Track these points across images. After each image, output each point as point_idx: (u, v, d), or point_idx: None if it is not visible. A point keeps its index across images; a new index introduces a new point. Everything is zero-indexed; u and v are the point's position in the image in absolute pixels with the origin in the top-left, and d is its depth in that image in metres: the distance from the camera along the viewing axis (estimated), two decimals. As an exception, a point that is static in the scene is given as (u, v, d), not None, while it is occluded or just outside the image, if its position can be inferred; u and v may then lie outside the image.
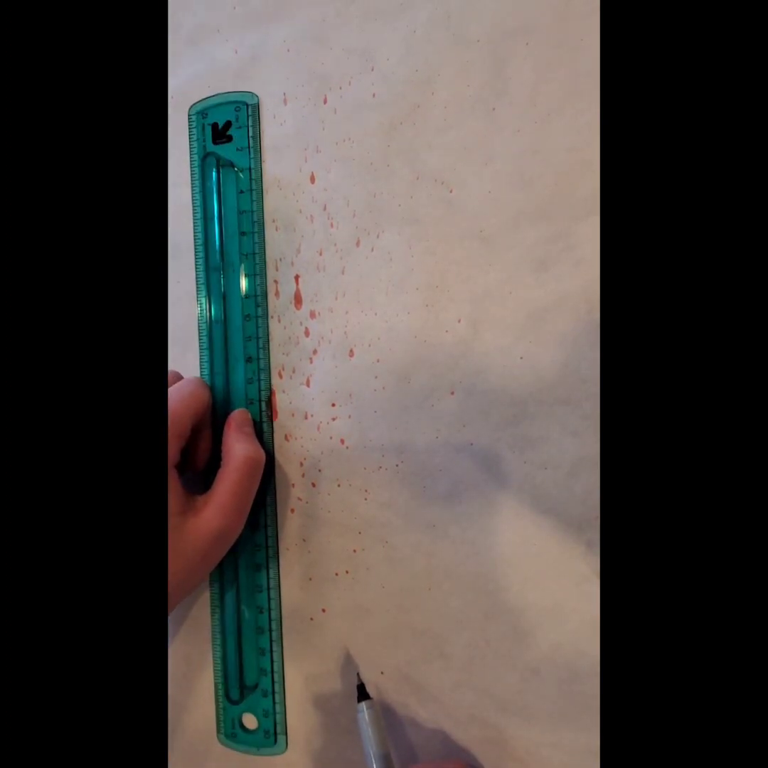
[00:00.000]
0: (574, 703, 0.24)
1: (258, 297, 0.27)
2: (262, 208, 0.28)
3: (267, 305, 0.28)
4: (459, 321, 0.25)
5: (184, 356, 0.29)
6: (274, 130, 0.27)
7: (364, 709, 0.24)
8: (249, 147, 0.27)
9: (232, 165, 0.28)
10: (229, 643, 0.28)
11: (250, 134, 0.27)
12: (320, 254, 0.27)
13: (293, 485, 0.28)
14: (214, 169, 0.28)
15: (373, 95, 0.26)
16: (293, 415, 0.28)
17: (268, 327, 0.28)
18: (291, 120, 0.27)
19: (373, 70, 0.26)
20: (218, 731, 0.29)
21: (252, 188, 0.27)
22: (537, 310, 0.24)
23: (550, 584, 0.24)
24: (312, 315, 0.27)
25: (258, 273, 0.27)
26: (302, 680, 0.28)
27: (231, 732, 0.29)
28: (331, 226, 0.27)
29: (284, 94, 0.27)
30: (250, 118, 0.27)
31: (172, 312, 0.29)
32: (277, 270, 0.28)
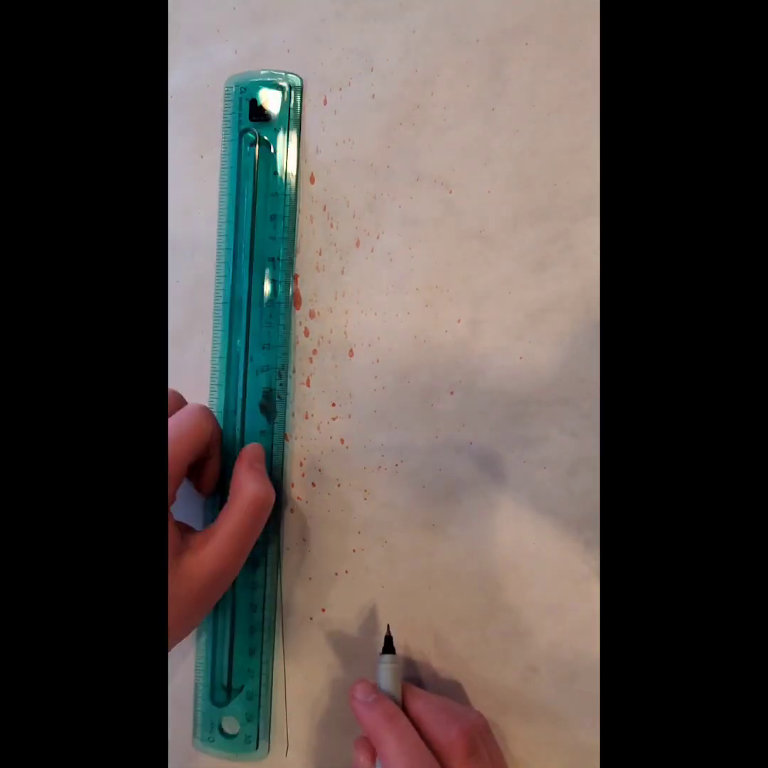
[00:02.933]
0: (573, 703, 0.24)
1: (282, 282, 0.27)
2: (296, 191, 0.27)
3: (291, 286, 0.27)
4: (458, 321, 0.25)
5: (184, 356, 0.29)
6: (273, 130, 0.27)
7: (386, 661, 0.24)
8: (288, 129, 0.27)
9: (269, 145, 0.27)
10: (218, 644, 0.27)
11: (291, 116, 0.27)
12: (320, 254, 0.27)
13: (293, 485, 0.28)
14: (250, 146, 0.27)
15: (373, 96, 0.26)
16: (293, 415, 0.28)
17: (291, 313, 0.27)
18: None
19: (372, 70, 0.26)
20: (194, 735, 0.28)
21: (287, 171, 0.27)
22: (536, 310, 0.24)
23: (549, 583, 0.24)
24: (311, 315, 0.27)
25: (284, 258, 0.27)
26: (302, 680, 0.28)
27: (208, 736, 0.27)
28: (331, 226, 0.27)
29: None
30: (292, 99, 0.27)
31: (172, 312, 0.29)
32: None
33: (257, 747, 0.27)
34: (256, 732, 0.27)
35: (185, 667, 0.28)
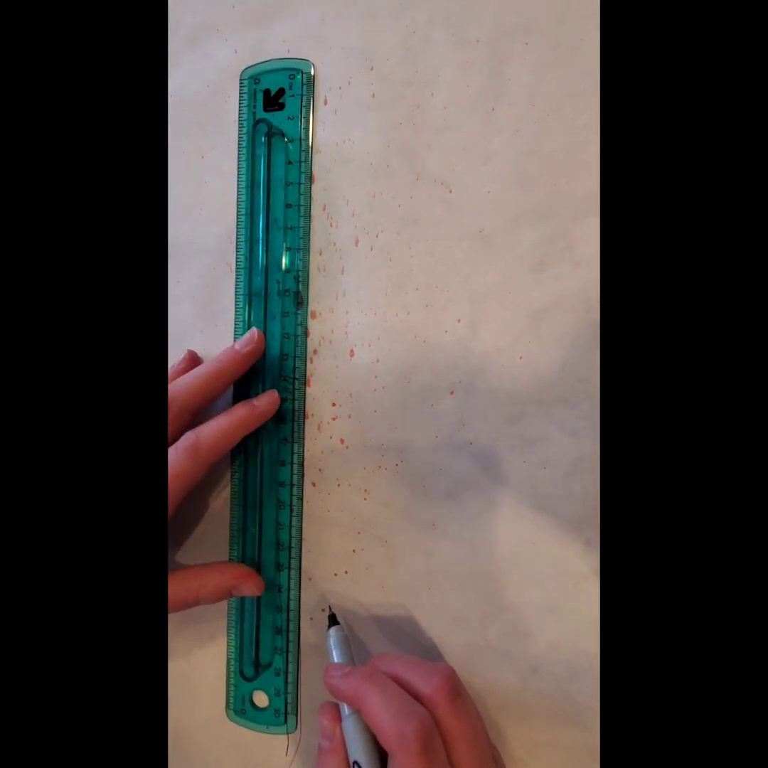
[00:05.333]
0: (573, 702, 0.24)
1: (300, 271, 0.27)
2: (311, 179, 0.27)
3: (308, 278, 0.27)
4: (458, 321, 0.25)
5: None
6: (273, 130, 0.27)
7: (333, 633, 0.25)
8: (301, 116, 0.27)
9: (282, 134, 0.27)
10: (246, 619, 0.28)
11: (303, 103, 0.27)
12: (320, 254, 0.27)
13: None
14: (264, 137, 0.27)
15: (373, 96, 0.26)
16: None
17: (308, 296, 0.27)
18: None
19: (372, 70, 0.26)
20: (227, 706, 0.29)
21: (301, 160, 0.27)
22: (536, 310, 0.24)
23: (549, 583, 0.24)
24: (312, 315, 0.27)
25: (301, 247, 0.27)
26: (301, 680, 0.28)
27: (240, 708, 0.29)
28: (331, 225, 0.27)
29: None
30: (304, 86, 0.27)
31: (171, 312, 0.29)
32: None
33: (286, 720, 0.28)
34: (284, 706, 0.28)
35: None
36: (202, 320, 0.29)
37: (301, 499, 0.27)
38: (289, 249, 0.27)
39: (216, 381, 0.26)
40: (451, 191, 0.25)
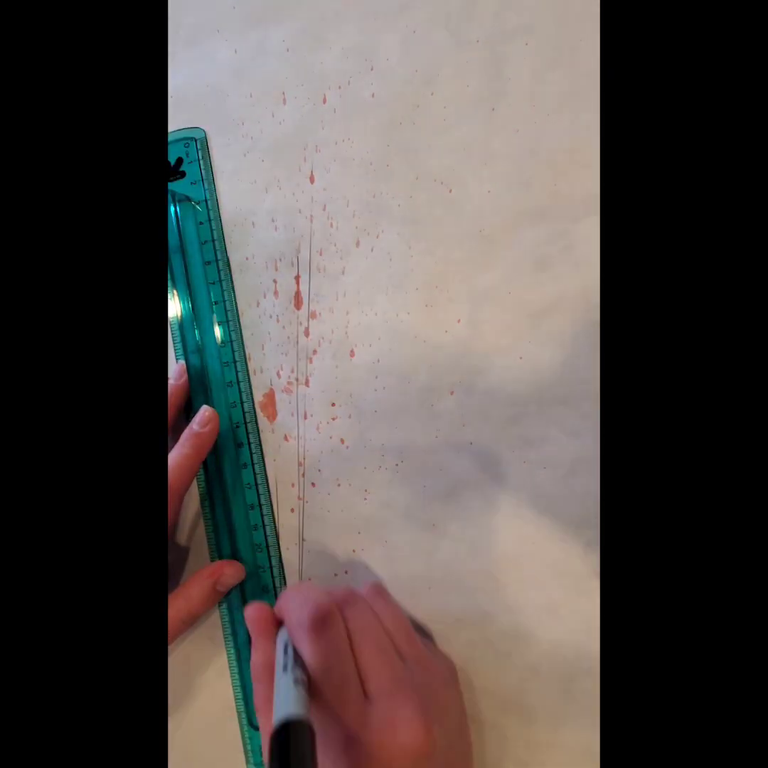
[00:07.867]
0: (573, 703, 0.24)
1: (230, 321, 0.28)
2: (223, 236, 0.28)
3: (240, 328, 0.28)
4: (458, 321, 0.25)
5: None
6: (273, 129, 0.27)
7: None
8: (202, 179, 0.28)
9: (189, 199, 0.28)
10: (245, 666, 0.28)
11: (202, 167, 0.28)
12: (320, 254, 0.27)
13: (293, 485, 0.28)
14: (172, 205, 0.28)
15: (373, 95, 0.26)
16: (293, 414, 0.28)
17: (243, 343, 0.28)
18: (290, 120, 0.27)
19: (372, 69, 0.26)
20: (247, 762, 0.28)
21: (210, 218, 0.28)
22: (536, 310, 0.24)
23: (549, 583, 0.24)
24: (312, 315, 0.27)
25: (227, 298, 0.28)
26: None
27: (259, 761, 0.27)
28: (331, 226, 0.27)
29: (284, 93, 0.27)
30: (199, 151, 0.28)
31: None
32: (276, 270, 0.28)
33: None
34: None
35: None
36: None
37: (273, 517, 0.28)
38: (215, 303, 0.28)
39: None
40: (451, 191, 0.25)
